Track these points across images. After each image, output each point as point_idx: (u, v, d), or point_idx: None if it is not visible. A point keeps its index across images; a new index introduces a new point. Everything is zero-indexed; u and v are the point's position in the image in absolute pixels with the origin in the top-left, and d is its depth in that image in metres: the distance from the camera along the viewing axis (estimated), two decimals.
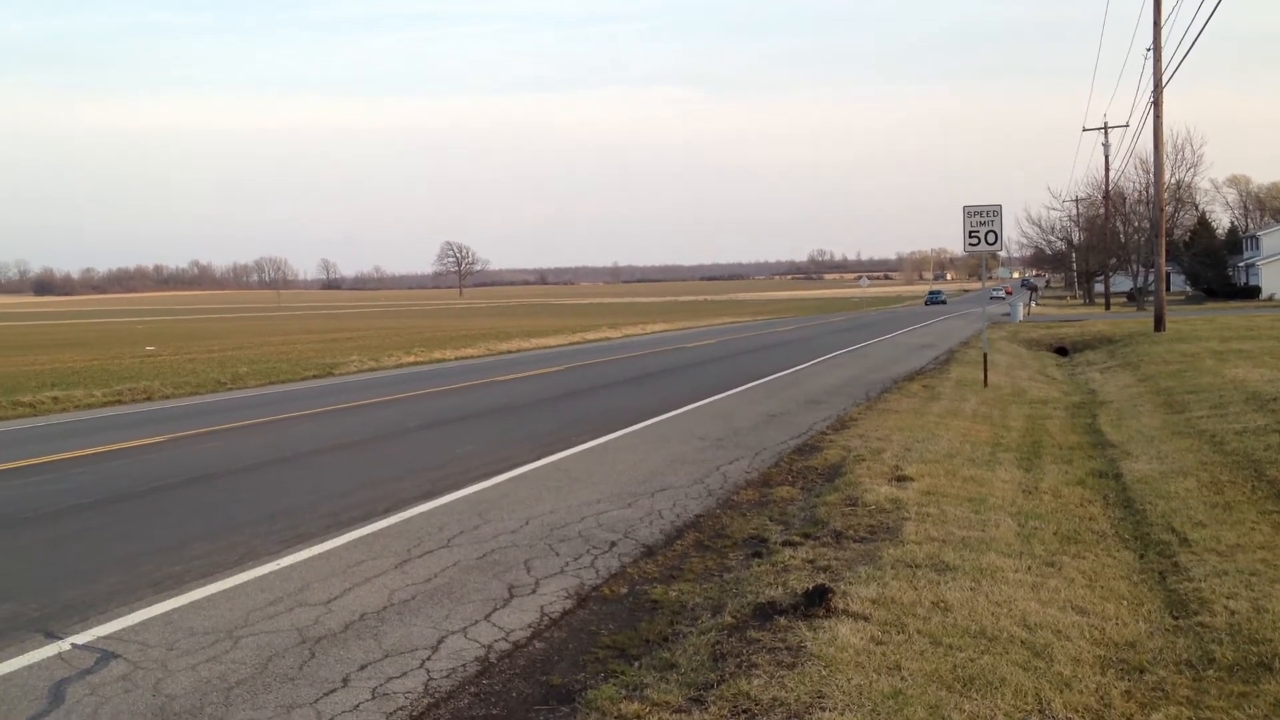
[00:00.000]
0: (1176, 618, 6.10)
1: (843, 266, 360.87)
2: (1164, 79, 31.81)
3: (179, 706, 5.01)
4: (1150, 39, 32.19)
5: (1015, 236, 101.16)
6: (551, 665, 5.61)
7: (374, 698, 5.12)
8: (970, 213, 18.99)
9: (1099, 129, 65.55)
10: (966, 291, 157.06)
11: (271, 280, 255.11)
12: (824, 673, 4.91)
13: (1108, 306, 70.58)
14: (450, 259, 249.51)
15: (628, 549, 7.95)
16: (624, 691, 5.03)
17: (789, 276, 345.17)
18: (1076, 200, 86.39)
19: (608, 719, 4.74)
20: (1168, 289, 39.81)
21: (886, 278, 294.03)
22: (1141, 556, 7.55)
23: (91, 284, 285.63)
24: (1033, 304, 76.82)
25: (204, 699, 5.10)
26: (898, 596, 6.03)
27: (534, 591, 6.87)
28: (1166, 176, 41.01)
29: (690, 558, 7.67)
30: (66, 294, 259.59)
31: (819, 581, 6.28)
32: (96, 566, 7.56)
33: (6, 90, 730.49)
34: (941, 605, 5.92)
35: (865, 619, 5.65)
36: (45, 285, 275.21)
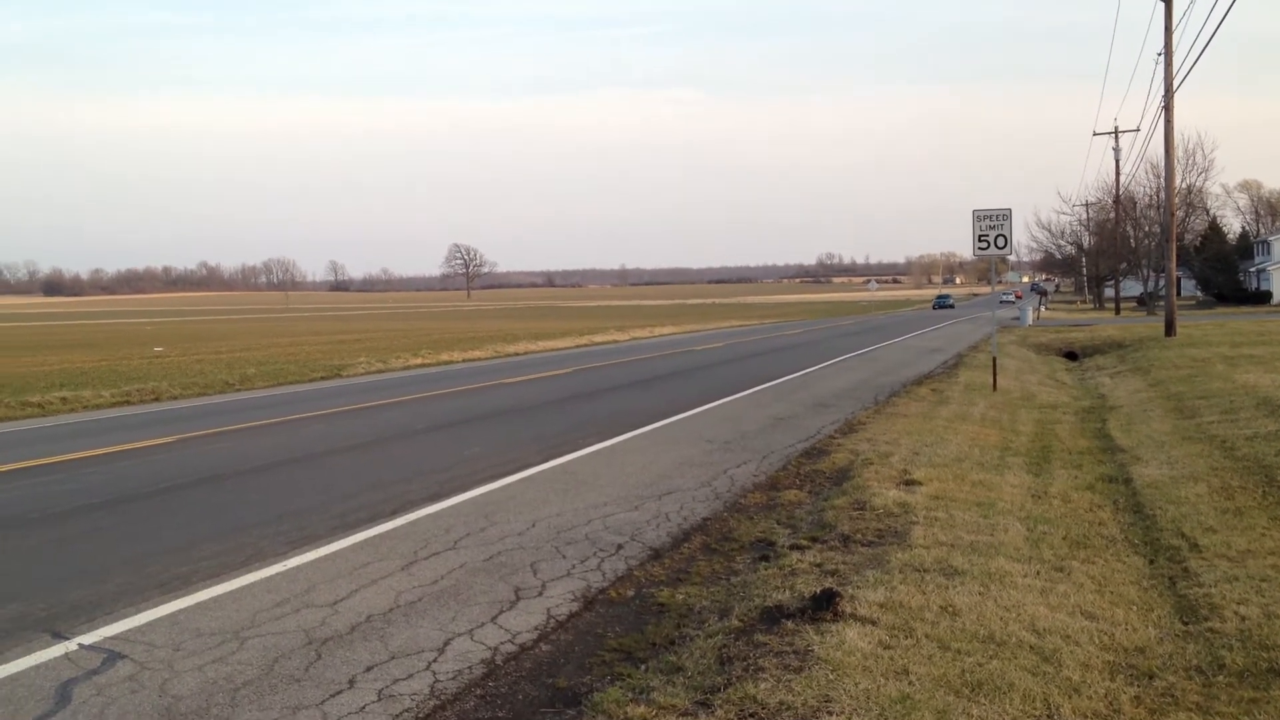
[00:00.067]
0: (1186, 623, 6.07)
1: (851, 270, 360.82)
2: (1175, 84, 31.73)
3: (185, 707, 5.01)
4: (1161, 43, 32.11)
5: (1025, 241, 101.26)
6: (558, 668, 5.60)
7: (380, 699, 5.11)
8: (980, 216, 18.94)
9: (1110, 133, 65.40)
10: (976, 296, 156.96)
11: (280, 282, 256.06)
12: (831, 677, 4.89)
13: (1118, 311, 70.37)
14: (458, 261, 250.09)
15: (635, 552, 7.94)
16: (630, 695, 5.01)
17: (797, 279, 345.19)
18: (1087, 204, 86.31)
19: None
20: (1178, 294, 39.67)
21: (895, 281, 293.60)
22: (1151, 562, 7.52)
23: (100, 285, 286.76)
24: (1042, 308, 76.69)
25: (210, 700, 5.10)
26: (906, 601, 6.01)
27: (540, 594, 6.86)
28: (1178, 181, 40.90)
29: (697, 561, 7.65)
30: (75, 295, 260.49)
31: (826, 585, 6.25)
32: (104, 567, 7.57)
33: (12, 91, 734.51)
34: (950, 610, 5.89)
35: (873, 623, 5.62)
36: (54, 286, 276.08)
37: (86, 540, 8.50)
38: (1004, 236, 18.82)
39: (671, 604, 6.62)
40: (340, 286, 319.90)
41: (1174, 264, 34.72)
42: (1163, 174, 37.48)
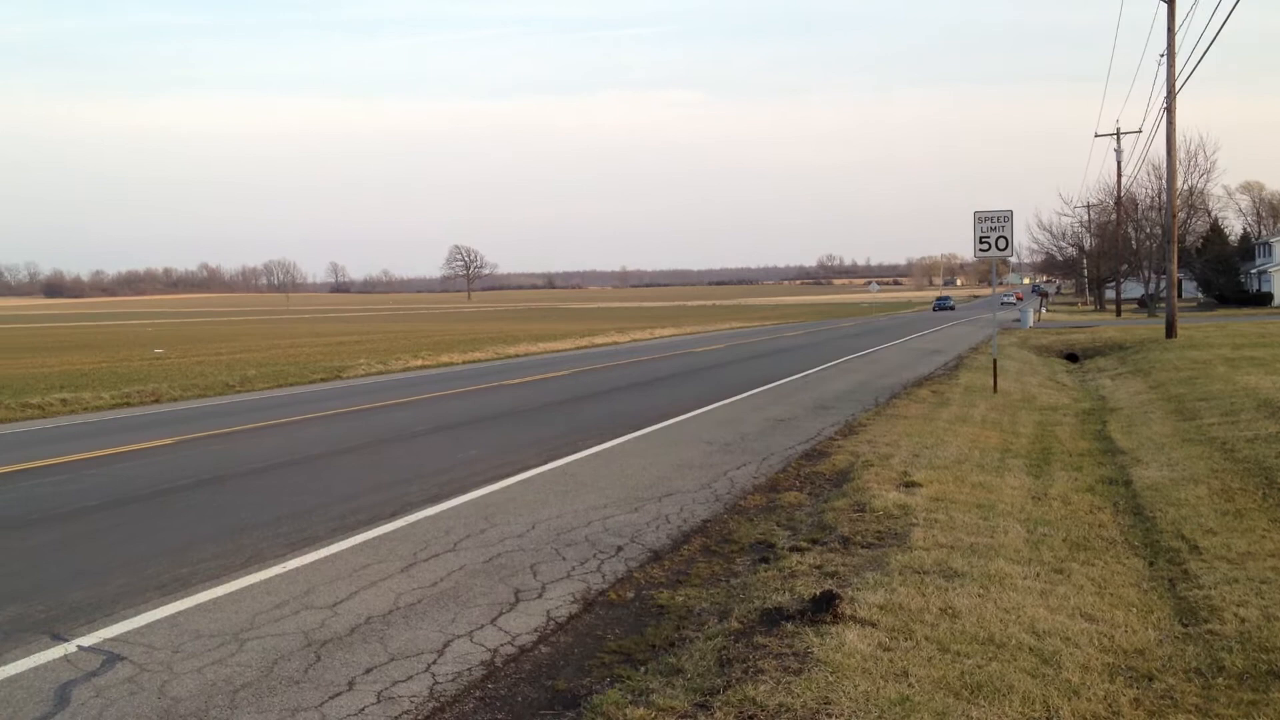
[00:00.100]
0: (1186, 625, 6.07)
1: (852, 272, 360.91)
2: (1177, 85, 31.72)
3: (184, 709, 5.01)
4: (1163, 45, 32.10)
5: (1026, 242, 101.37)
6: (557, 670, 5.60)
7: (379, 701, 5.11)
8: (981, 218, 18.95)
9: (1111, 135, 65.41)
10: (976, 297, 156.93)
11: (280, 283, 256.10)
12: (831, 679, 4.88)
13: (1119, 313, 70.35)
14: (458, 263, 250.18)
15: (634, 554, 7.93)
16: (630, 697, 5.00)
17: (798, 281, 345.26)
18: (1088, 206, 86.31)
19: None
20: (1179, 296, 39.67)
21: (896, 283, 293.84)
22: (1151, 564, 7.51)
23: (101, 286, 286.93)
24: (1043, 310, 76.68)
25: (209, 702, 5.09)
26: (905, 603, 6.01)
27: (540, 596, 6.86)
28: (1179, 183, 40.86)
29: (697, 563, 7.65)
30: (76, 296, 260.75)
31: (826, 587, 6.25)
32: (103, 568, 7.57)
33: (14, 92, 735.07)
34: (949, 612, 5.89)
35: (873, 625, 5.62)
36: (55, 287, 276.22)
37: (86, 542, 8.50)
38: (1005, 238, 18.83)
39: (671, 606, 6.62)
40: (341, 288, 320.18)
41: (1175, 266, 34.68)
42: (1164, 175, 37.47)
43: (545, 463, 11.86)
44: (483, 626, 6.23)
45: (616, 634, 6.16)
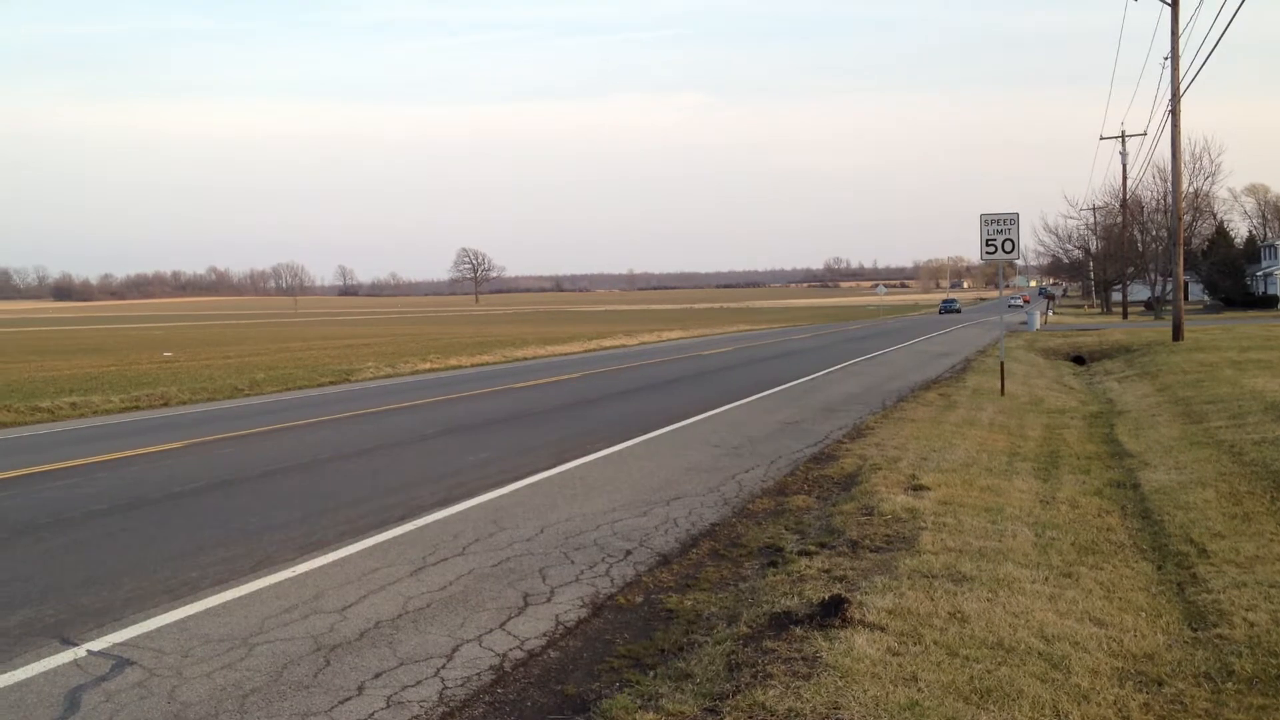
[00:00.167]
0: (1195, 630, 6.06)
1: (859, 274, 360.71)
2: (1182, 88, 31.68)
3: (194, 714, 5.02)
4: (1168, 47, 32.06)
5: (1032, 245, 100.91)
6: (566, 674, 5.60)
7: (389, 706, 5.11)
8: (987, 221, 18.93)
9: (1117, 137, 65.46)
10: (983, 300, 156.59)
11: (289, 286, 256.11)
12: (840, 684, 4.88)
13: (1125, 315, 70.25)
14: (466, 265, 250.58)
15: (643, 557, 7.94)
16: (639, 701, 5.01)
17: (805, 284, 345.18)
18: (1094, 209, 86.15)
19: None
20: (1186, 298, 39.62)
21: (903, 286, 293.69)
22: (1160, 568, 7.50)
23: (110, 290, 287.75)
24: (1050, 312, 76.59)
25: (219, 706, 5.11)
26: (914, 607, 6.00)
27: (549, 600, 6.87)
28: (1184, 185, 40.81)
29: (706, 567, 7.65)
30: (85, 300, 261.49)
31: (835, 591, 6.25)
32: (112, 572, 7.59)
33: (22, 96, 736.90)
34: (958, 616, 5.89)
35: (882, 629, 5.62)
36: (64, 291, 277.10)
37: (95, 545, 8.52)
38: (1011, 241, 18.81)
39: (680, 610, 6.62)
40: (349, 291, 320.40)
41: (1181, 268, 34.63)
42: (1169, 178, 37.34)
43: (554, 466, 11.87)
44: (492, 631, 6.24)
45: (625, 638, 6.16)
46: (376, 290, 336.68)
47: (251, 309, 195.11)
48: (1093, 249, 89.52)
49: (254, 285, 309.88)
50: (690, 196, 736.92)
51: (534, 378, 26.42)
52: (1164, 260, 64.14)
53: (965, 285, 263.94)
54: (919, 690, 4.84)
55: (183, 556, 8.00)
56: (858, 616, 5.78)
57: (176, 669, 5.59)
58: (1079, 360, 32.40)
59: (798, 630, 5.68)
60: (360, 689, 5.32)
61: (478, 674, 5.56)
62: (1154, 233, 72.36)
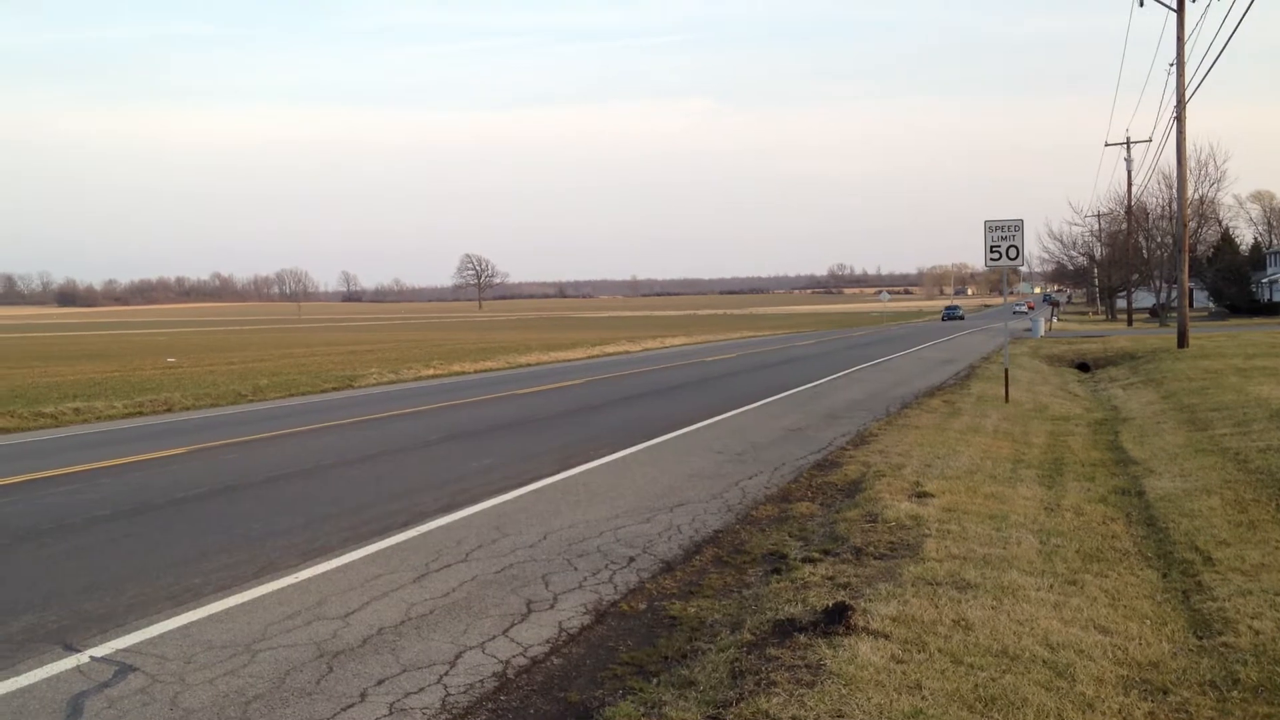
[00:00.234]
0: (1200, 638, 6.04)
1: (863, 281, 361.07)
2: (1187, 94, 31.66)
3: None
4: (1173, 54, 32.03)
5: (1037, 251, 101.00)
6: (569, 682, 5.59)
7: (391, 713, 5.10)
8: (991, 227, 18.92)
9: (1121, 144, 65.28)
10: (987, 307, 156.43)
11: (292, 292, 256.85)
12: (844, 691, 4.87)
13: (1130, 322, 70.20)
14: (470, 271, 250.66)
15: (646, 564, 7.93)
16: (642, 709, 5.00)
17: (809, 290, 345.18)
18: (1099, 215, 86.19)
19: None
20: (1190, 305, 39.56)
21: (907, 292, 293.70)
22: (1165, 575, 7.48)
23: (114, 295, 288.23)
24: (1055, 319, 76.48)
25: (221, 713, 5.10)
26: (918, 614, 5.99)
27: (552, 607, 6.86)
28: (1190, 192, 40.72)
29: (709, 574, 7.64)
30: (89, 305, 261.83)
31: (839, 599, 6.24)
32: (115, 578, 7.59)
33: (28, 103, 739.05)
34: (963, 624, 5.87)
35: (885, 637, 5.60)
36: (68, 297, 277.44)
37: (98, 551, 8.52)
38: (1016, 247, 18.79)
39: (683, 617, 6.61)
40: (352, 297, 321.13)
41: (1186, 275, 34.56)
42: (1175, 184, 37.32)
43: (557, 472, 11.86)
44: (495, 637, 6.23)
45: (629, 645, 6.15)
46: (380, 296, 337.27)
47: (255, 315, 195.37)
48: (1097, 256, 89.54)
49: (258, 291, 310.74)
50: (696, 202, 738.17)
51: (537, 384, 26.43)
52: (1169, 267, 64.10)
53: (970, 292, 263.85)
54: (923, 698, 4.82)
55: (186, 562, 8.00)
56: (862, 624, 5.76)
57: (179, 675, 5.58)
58: (1084, 367, 32.35)
59: (801, 637, 5.67)
60: (363, 696, 5.31)
61: (481, 681, 5.55)
62: (1159, 239, 72.30)
